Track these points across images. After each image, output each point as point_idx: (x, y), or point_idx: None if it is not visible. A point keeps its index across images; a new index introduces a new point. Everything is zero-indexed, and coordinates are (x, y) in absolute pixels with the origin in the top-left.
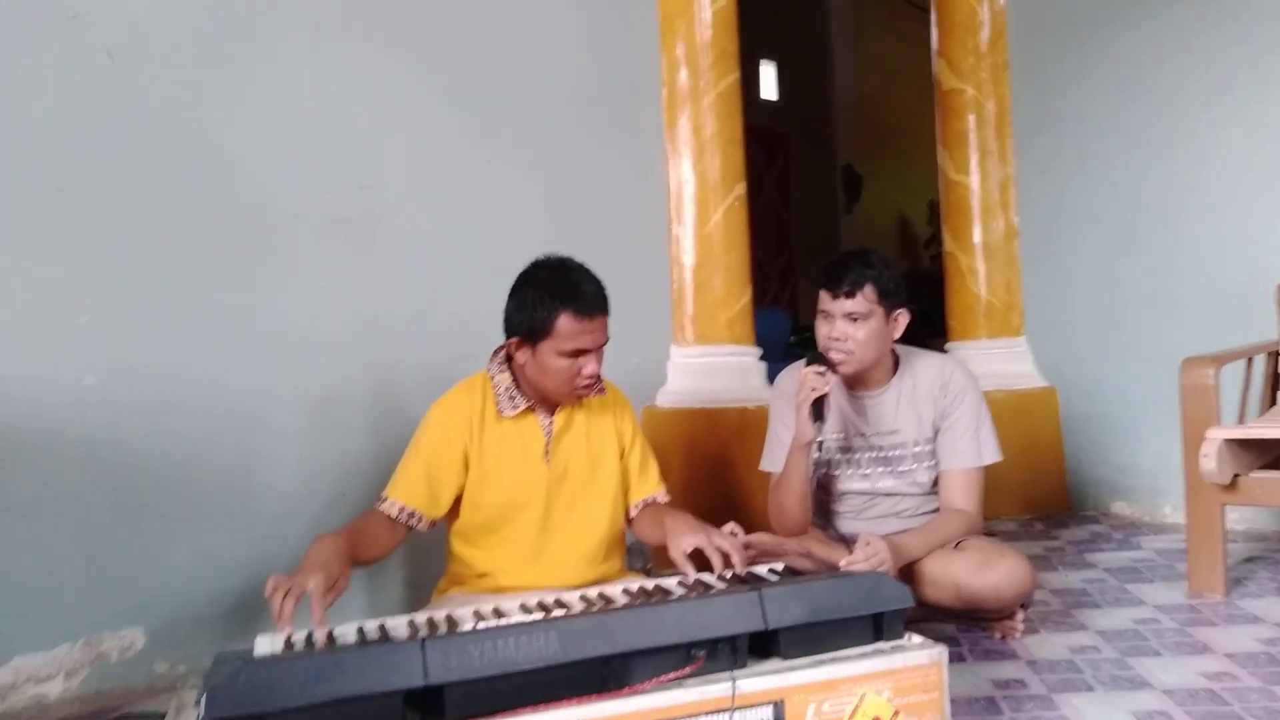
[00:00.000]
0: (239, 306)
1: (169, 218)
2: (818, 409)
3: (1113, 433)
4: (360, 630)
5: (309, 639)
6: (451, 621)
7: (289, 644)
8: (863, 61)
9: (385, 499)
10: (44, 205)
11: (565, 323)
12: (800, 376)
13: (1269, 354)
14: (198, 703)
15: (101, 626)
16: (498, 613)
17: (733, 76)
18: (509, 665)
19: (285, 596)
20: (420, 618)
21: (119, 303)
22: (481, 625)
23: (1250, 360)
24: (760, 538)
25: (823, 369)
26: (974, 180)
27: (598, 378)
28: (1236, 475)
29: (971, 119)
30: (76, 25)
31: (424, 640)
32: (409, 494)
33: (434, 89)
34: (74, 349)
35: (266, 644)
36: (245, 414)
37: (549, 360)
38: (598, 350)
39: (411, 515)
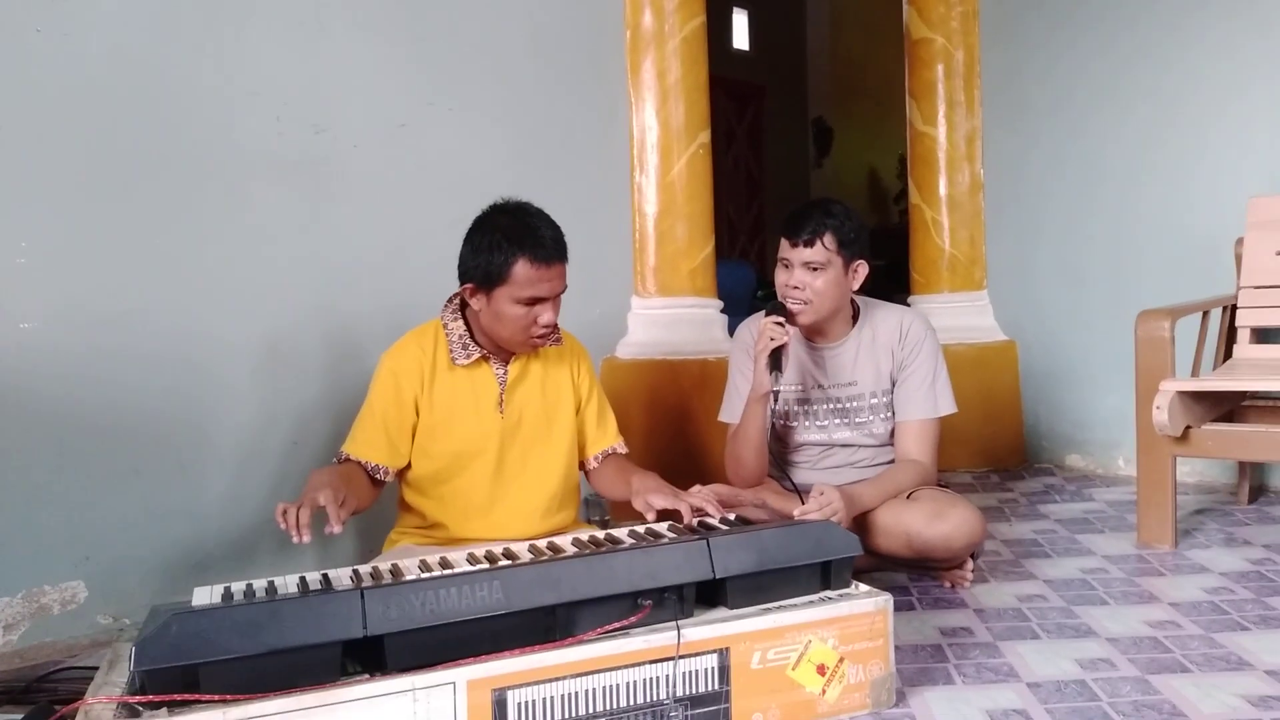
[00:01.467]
0: (186, 250)
1: (112, 158)
2: (775, 360)
3: (1070, 387)
4: (302, 580)
5: (248, 590)
6: (396, 572)
7: (227, 595)
8: (837, 13)
9: (345, 457)
10: None
11: (522, 269)
12: (759, 327)
13: (1225, 308)
14: (129, 656)
15: (42, 579)
16: (444, 563)
17: (699, 20)
18: (451, 615)
19: (299, 510)
20: (365, 568)
21: (59, 246)
22: (426, 575)
23: (1206, 314)
24: (717, 489)
25: (781, 319)
26: (941, 132)
27: (554, 327)
28: (1188, 427)
29: (940, 69)
30: None
31: (364, 590)
32: (369, 450)
33: (393, 30)
34: (10, 294)
35: (204, 595)
36: (193, 362)
37: (504, 308)
38: (555, 299)
39: (376, 469)
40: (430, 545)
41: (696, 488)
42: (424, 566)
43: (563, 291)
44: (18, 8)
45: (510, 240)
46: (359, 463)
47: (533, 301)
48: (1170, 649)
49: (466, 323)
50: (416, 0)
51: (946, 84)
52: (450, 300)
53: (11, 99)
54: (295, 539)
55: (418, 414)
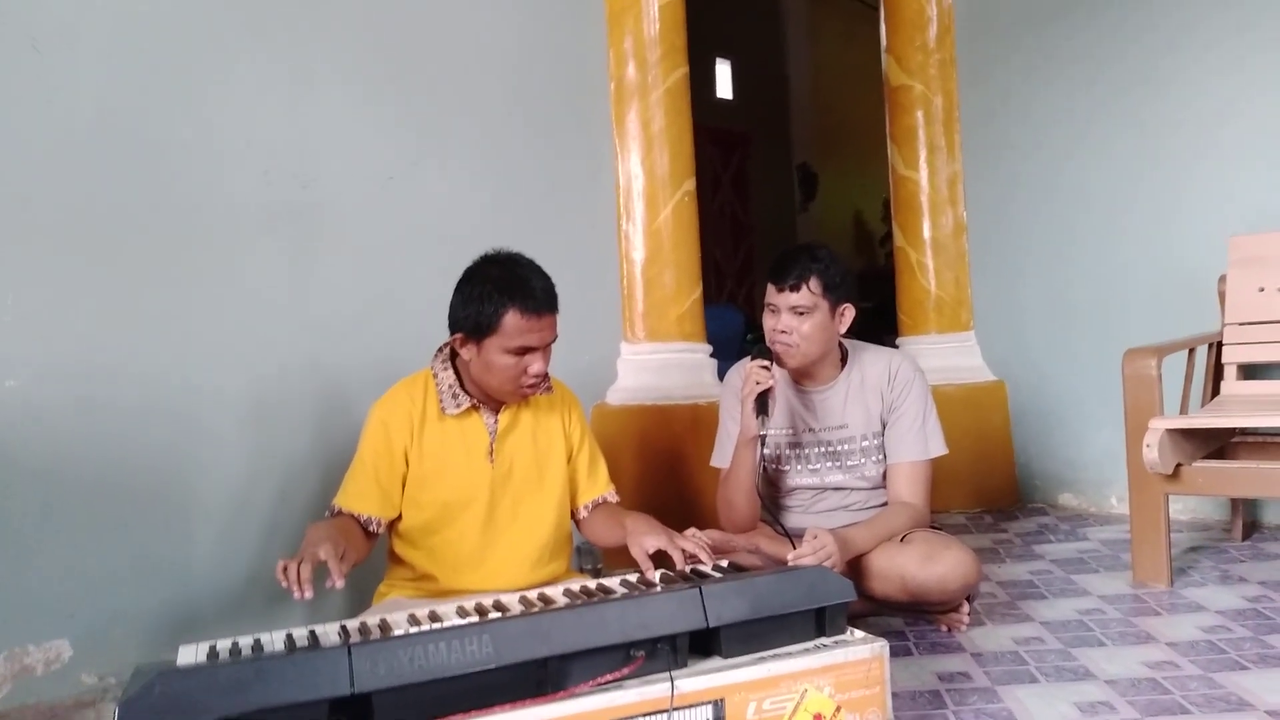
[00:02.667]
0: (173, 305)
1: (98, 213)
2: (762, 404)
3: (1060, 426)
4: (289, 637)
5: (234, 648)
6: (385, 626)
7: (213, 653)
8: (818, 61)
9: (338, 510)
10: None
11: (512, 320)
12: (745, 371)
13: (1211, 345)
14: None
15: (26, 639)
16: (434, 616)
17: (681, 71)
18: (440, 671)
19: (299, 565)
20: (353, 624)
21: (45, 302)
22: (414, 630)
23: (1192, 351)
24: (710, 534)
25: (767, 363)
26: (923, 176)
27: (545, 376)
28: (1179, 465)
29: (920, 115)
30: None
31: (351, 646)
32: (362, 502)
33: (377, 83)
34: None
35: (190, 654)
36: (181, 415)
37: (494, 358)
38: (545, 349)
39: (369, 521)
40: (420, 597)
41: (691, 531)
42: (413, 620)
43: (553, 341)
44: (1, 68)
45: (501, 291)
46: (352, 515)
47: (523, 351)
48: (1170, 690)
49: (456, 372)
50: (402, 55)
51: (926, 129)
52: (440, 350)
53: None
54: (297, 596)
55: (408, 464)
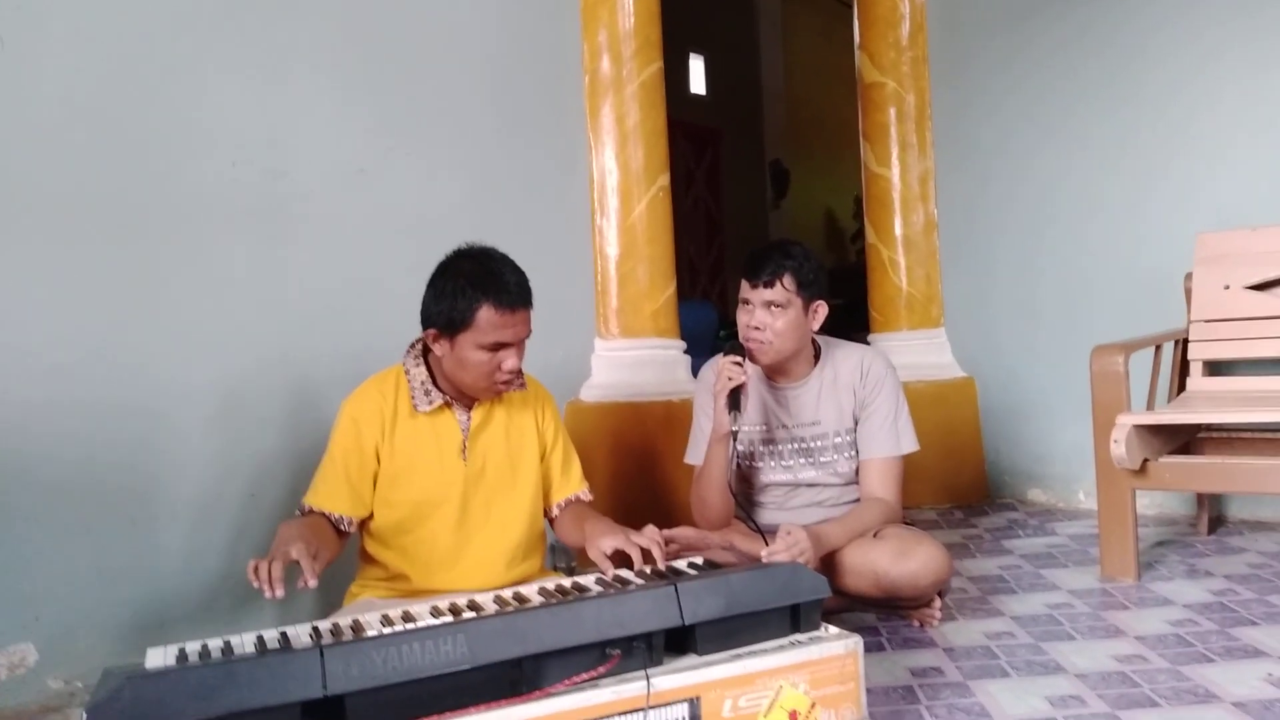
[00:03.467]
0: (140, 297)
1: (64, 204)
2: (735, 399)
3: (1028, 422)
4: (259, 639)
5: (203, 650)
6: (357, 627)
7: (182, 656)
8: (791, 58)
9: (308, 508)
10: None
11: (486, 315)
12: (718, 367)
13: (1177, 342)
14: None
15: None
16: (407, 617)
17: (656, 66)
18: (414, 672)
19: (271, 564)
20: (325, 625)
21: (8, 295)
22: (388, 631)
23: (1159, 348)
24: (683, 531)
25: (740, 359)
26: (894, 173)
27: (518, 373)
28: (1146, 460)
29: (892, 112)
30: None
31: (323, 648)
32: (332, 500)
33: (351, 75)
34: None
35: (158, 657)
36: (147, 411)
37: (468, 353)
38: (519, 344)
39: (340, 520)
40: (393, 597)
41: (649, 528)
42: (386, 621)
43: (527, 337)
44: None
45: (474, 286)
46: (323, 514)
47: (497, 347)
48: (1139, 683)
49: (429, 369)
50: (375, 46)
51: (899, 127)
52: (412, 346)
53: None
54: (268, 595)
55: (379, 462)
